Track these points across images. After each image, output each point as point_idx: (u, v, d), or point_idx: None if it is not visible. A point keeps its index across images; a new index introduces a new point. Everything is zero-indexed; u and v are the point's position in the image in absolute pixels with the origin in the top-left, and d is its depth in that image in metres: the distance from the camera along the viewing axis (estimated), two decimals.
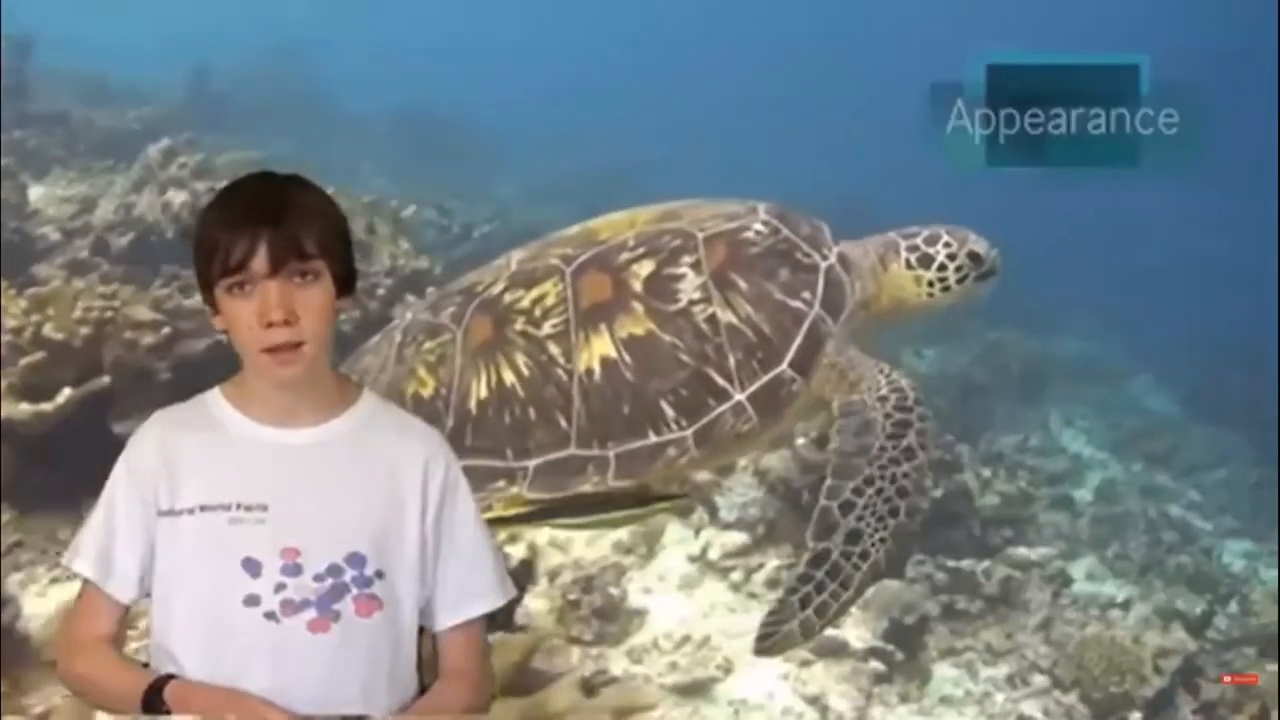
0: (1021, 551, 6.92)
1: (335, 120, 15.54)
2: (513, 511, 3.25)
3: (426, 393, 3.21)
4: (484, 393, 3.19)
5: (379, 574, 1.69)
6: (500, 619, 4.21)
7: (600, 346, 3.16)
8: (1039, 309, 14.29)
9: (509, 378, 3.19)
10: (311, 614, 1.66)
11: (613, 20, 27.71)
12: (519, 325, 3.22)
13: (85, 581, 1.74)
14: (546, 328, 3.20)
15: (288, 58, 16.42)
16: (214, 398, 1.75)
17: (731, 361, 3.15)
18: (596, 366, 3.16)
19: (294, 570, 1.66)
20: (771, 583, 5.47)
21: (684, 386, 3.15)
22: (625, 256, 3.25)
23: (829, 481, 3.11)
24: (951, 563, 6.61)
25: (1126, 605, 6.92)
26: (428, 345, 3.27)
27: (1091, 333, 14.58)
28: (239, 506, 1.67)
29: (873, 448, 3.12)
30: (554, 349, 3.18)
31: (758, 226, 3.30)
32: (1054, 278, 15.07)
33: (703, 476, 5.71)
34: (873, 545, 3.00)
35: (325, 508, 1.69)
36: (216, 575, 1.66)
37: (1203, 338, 13.82)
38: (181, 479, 1.68)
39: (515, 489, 3.16)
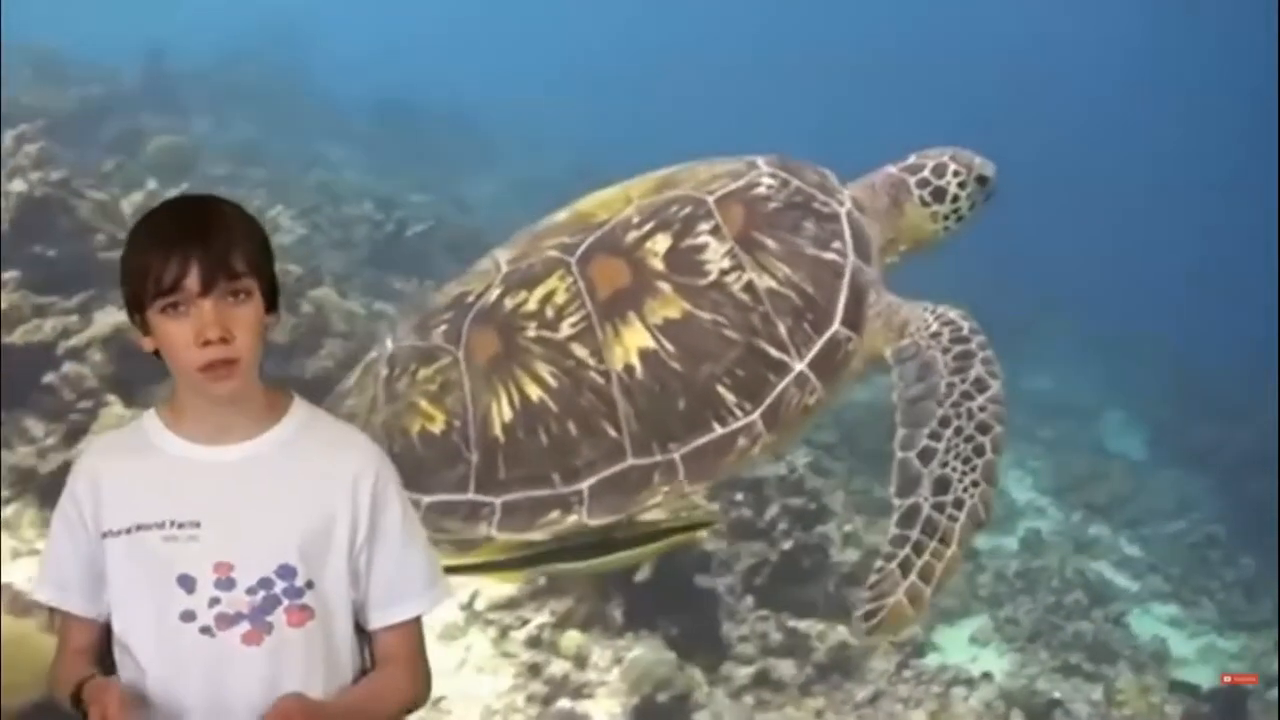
0: None
1: (309, 105, 15.31)
2: (491, 559, 2.88)
3: (436, 428, 2.84)
4: (508, 415, 2.82)
5: (309, 584, 1.71)
6: None
7: (634, 338, 2.83)
8: (1013, 340, 13.65)
9: (534, 392, 2.82)
10: (245, 627, 1.69)
11: (616, 16, 27.25)
12: (531, 331, 2.85)
13: (53, 610, 1.80)
14: (565, 328, 2.85)
15: (266, 41, 16.21)
16: (149, 420, 1.78)
17: (782, 329, 2.89)
18: (635, 361, 2.82)
19: (227, 585, 1.69)
20: (532, 641, 5.03)
21: (738, 366, 2.84)
22: (634, 234, 2.94)
23: (900, 432, 2.86)
24: (792, 622, 6.15)
25: (984, 679, 6.39)
26: (424, 373, 2.90)
27: (1066, 367, 13.91)
28: (172, 524, 1.70)
29: (939, 387, 2.89)
30: (579, 350, 2.83)
31: (767, 180, 3.04)
32: (1033, 309, 14.48)
33: None
34: (965, 491, 2.79)
35: (256, 522, 1.71)
36: (154, 593, 1.69)
37: (1183, 377, 13.08)
38: (117, 501, 1.72)
39: (573, 517, 2.81)
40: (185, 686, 1.69)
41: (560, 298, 2.87)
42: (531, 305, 2.88)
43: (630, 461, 2.81)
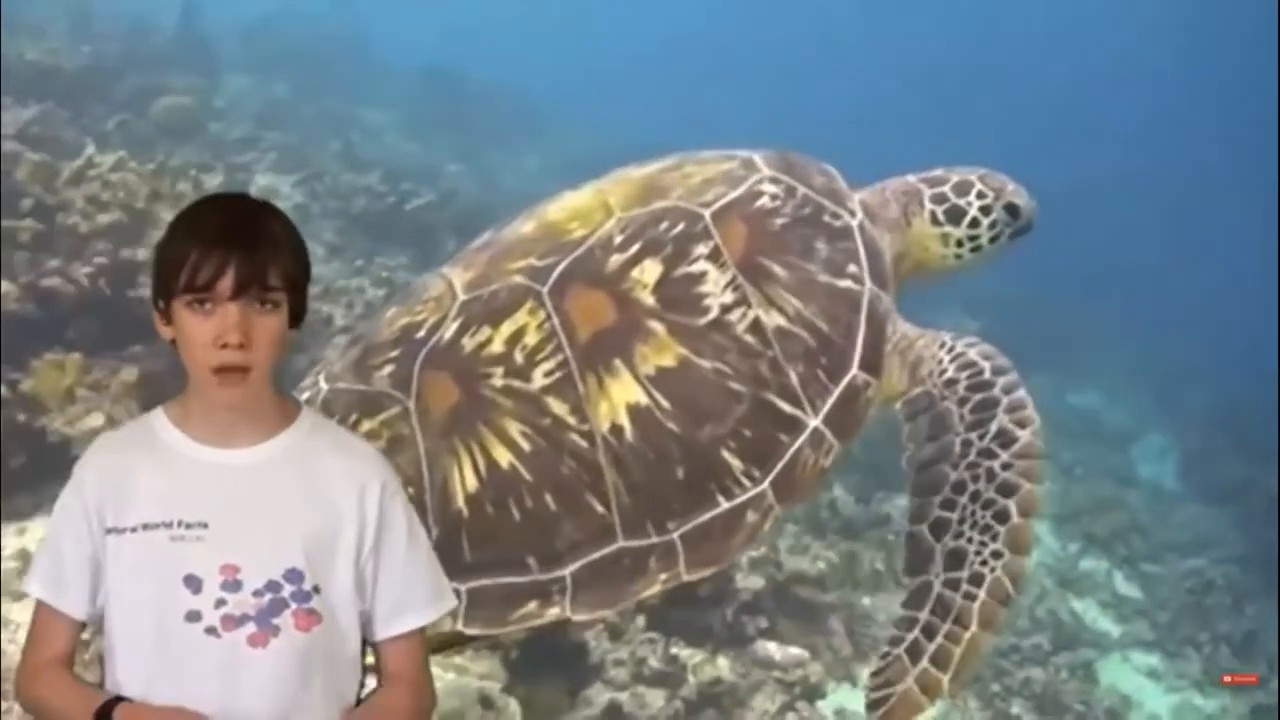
0: (768, 648, 6.00)
1: (352, 71, 15.22)
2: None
3: None
4: (472, 484, 2.40)
5: (316, 589, 1.70)
6: None
7: (621, 392, 2.43)
8: (1063, 353, 12.91)
9: (503, 456, 2.41)
10: (251, 629, 1.67)
11: None
12: (497, 379, 2.43)
13: (40, 602, 1.76)
14: (538, 377, 2.43)
15: (315, 1, 16.17)
16: (157, 418, 1.76)
17: (794, 377, 2.52)
18: (624, 420, 2.42)
19: (234, 586, 1.67)
20: None
21: (745, 425, 2.46)
22: (618, 259, 2.51)
23: (911, 503, 2.56)
24: (675, 649, 5.79)
25: None
26: (368, 426, 2.45)
27: (1116, 385, 13.07)
28: (180, 524, 1.68)
29: (954, 447, 2.54)
30: (557, 406, 2.42)
31: (769, 188, 2.64)
32: (1088, 321, 13.68)
33: None
34: (983, 564, 2.47)
35: (263, 525, 1.70)
36: (159, 591, 1.68)
37: (1225, 408, 12.16)
38: (124, 498, 1.71)
39: (553, 610, 2.42)
40: (188, 688, 1.66)
41: (531, 338, 2.45)
42: (497, 346, 2.45)
43: (621, 544, 2.40)
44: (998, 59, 24.68)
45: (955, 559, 2.46)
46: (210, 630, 1.66)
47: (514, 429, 2.42)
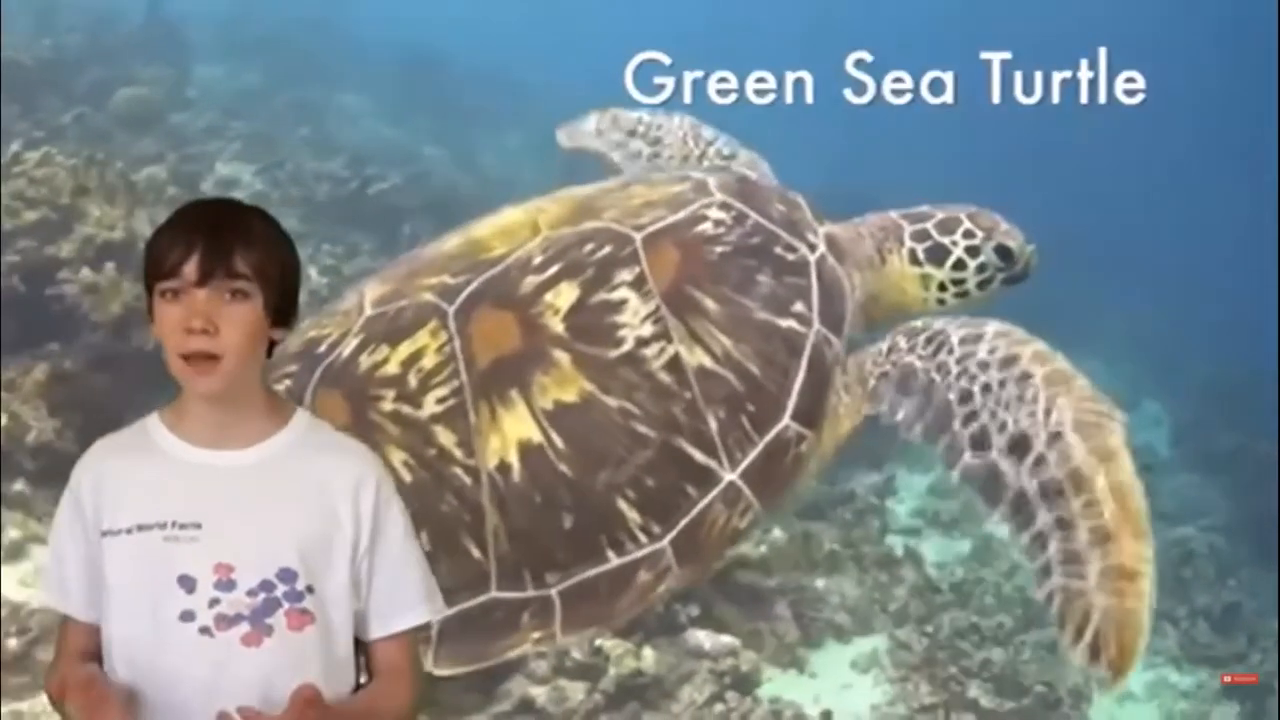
0: (698, 636, 5.80)
1: (329, 55, 15.02)
2: None
3: None
4: None
5: (309, 589, 1.71)
6: None
7: (514, 426, 2.33)
8: (1067, 321, 12.57)
9: None
10: (245, 628, 1.68)
11: None
12: (387, 404, 2.35)
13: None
14: (430, 404, 2.35)
15: None
16: (152, 422, 1.78)
17: (712, 425, 2.36)
18: (513, 458, 2.31)
19: (227, 586, 1.69)
20: None
21: (649, 473, 2.34)
22: (532, 280, 2.39)
23: (939, 449, 2.34)
24: (601, 640, 5.60)
25: None
26: None
27: (1111, 354, 12.70)
28: (174, 525, 1.70)
29: (933, 383, 2.36)
30: (444, 436, 2.35)
31: (714, 213, 2.47)
32: (1092, 286, 13.33)
33: None
34: (1052, 420, 2.24)
35: (257, 524, 1.71)
36: (153, 592, 1.70)
37: (1223, 375, 11.81)
38: (119, 500, 1.73)
39: None
40: (181, 687, 1.68)
41: (429, 360, 2.35)
42: (392, 367, 2.36)
43: (494, 594, 2.30)
44: None
45: (1020, 445, 2.20)
46: (204, 630, 1.67)
47: (397, 458, 2.29)
